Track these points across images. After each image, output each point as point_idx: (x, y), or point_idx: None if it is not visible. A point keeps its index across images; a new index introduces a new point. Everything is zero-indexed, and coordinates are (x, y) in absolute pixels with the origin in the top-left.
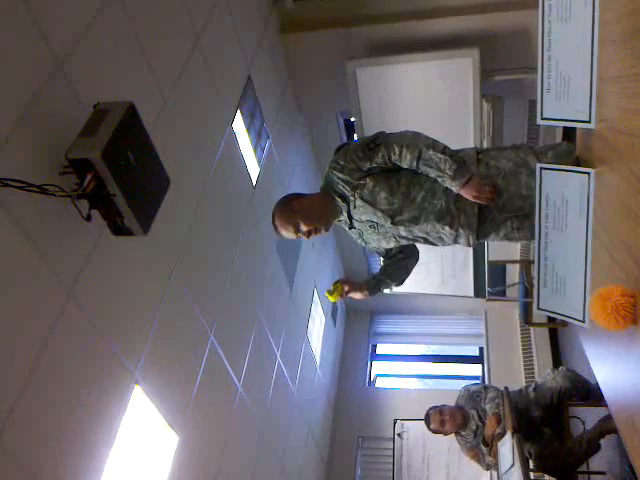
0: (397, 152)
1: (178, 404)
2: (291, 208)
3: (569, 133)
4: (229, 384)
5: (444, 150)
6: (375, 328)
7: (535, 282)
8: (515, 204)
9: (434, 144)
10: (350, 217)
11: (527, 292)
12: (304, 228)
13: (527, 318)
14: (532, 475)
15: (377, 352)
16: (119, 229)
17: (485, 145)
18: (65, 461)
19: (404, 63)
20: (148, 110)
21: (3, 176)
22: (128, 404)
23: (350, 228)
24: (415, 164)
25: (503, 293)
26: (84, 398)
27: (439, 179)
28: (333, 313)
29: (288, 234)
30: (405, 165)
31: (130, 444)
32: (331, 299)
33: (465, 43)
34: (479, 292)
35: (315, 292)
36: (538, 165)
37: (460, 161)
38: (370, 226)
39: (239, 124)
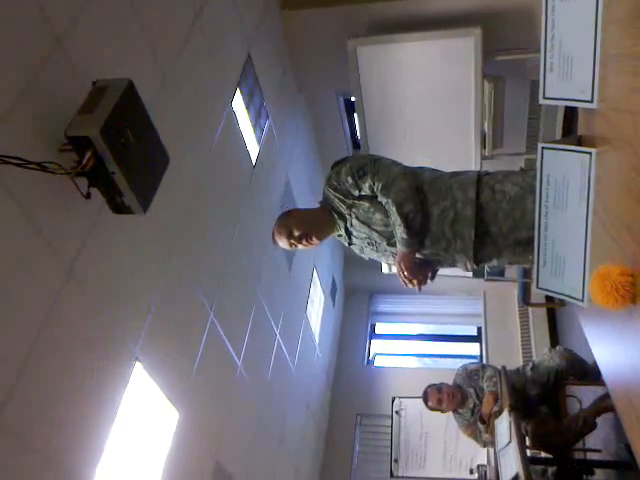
0: (379, 187)
1: (179, 381)
2: (288, 214)
3: (570, 116)
4: (229, 362)
5: (407, 216)
6: (374, 307)
7: (534, 261)
8: (520, 234)
9: (407, 211)
10: (349, 233)
11: (526, 272)
12: (296, 232)
13: (526, 298)
14: (528, 452)
15: (376, 331)
16: (118, 207)
17: (486, 125)
18: (67, 438)
19: (405, 42)
20: (147, 87)
21: (2, 153)
22: (129, 381)
23: (349, 244)
24: (385, 202)
25: (502, 273)
26: (84, 375)
27: (392, 229)
28: (332, 292)
29: (282, 242)
30: (378, 197)
31: (131, 421)
32: None
33: (467, 22)
34: (478, 272)
35: (314, 272)
36: (539, 144)
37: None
38: (368, 243)
39: (238, 103)
